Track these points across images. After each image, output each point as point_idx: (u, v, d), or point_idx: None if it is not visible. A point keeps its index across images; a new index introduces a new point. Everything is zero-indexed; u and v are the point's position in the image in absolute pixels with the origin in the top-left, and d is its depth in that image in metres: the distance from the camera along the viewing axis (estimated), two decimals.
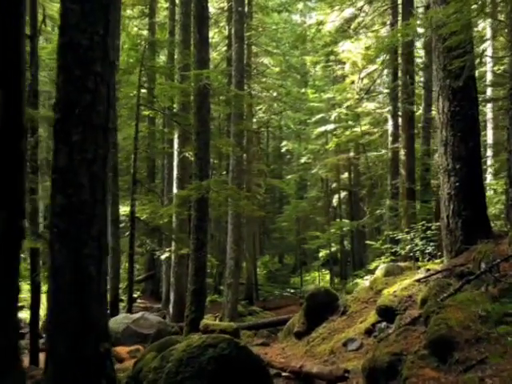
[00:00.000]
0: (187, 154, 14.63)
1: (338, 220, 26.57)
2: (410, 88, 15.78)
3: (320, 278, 29.06)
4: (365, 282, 13.91)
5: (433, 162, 21.18)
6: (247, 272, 23.47)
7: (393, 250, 14.06)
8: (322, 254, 29.63)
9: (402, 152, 16.36)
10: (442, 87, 6.81)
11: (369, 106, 22.86)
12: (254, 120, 26.20)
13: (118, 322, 10.35)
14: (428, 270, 6.80)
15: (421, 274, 6.81)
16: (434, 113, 21.62)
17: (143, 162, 21.78)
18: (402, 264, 13.73)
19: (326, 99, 24.30)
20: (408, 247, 13.11)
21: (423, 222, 12.83)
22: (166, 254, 14.58)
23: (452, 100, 6.74)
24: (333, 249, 27.17)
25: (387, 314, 6.12)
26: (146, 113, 14.60)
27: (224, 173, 22.82)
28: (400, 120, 16.77)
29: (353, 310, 7.76)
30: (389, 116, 17.48)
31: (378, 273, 13.01)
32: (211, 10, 24.45)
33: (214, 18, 24.27)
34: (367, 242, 15.25)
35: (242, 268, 25.45)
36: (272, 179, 27.36)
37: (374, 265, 10.99)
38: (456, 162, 6.69)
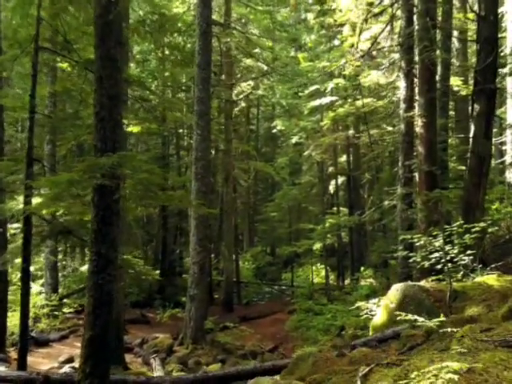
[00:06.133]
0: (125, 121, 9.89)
1: (334, 209, 21.77)
2: (432, 33, 10.87)
3: (314, 274, 24.39)
4: (371, 306, 9.23)
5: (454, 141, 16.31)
6: (226, 272, 18.78)
7: (410, 260, 9.38)
8: (317, 246, 24.94)
9: (420, 123, 11.48)
10: None
11: (373, 73, 17.99)
12: (241, 96, 21.41)
13: None
14: None
15: None
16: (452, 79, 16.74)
17: None
18: (426, 285, 8.98)
19: (320, 68, 19.38)
20: (434, 256, 8.33)
21: (461, 222, 8.10)
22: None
23: None
24: (329, 241, 22.41)
25: None
26: (63, 65, 9.74)
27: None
28: (416, 81, 11.97)
29: None
30: (401, 75, 12.54)
31: (391, 298, 8.33)
32: None
33: None
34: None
35: (224, 267, 20.87)
36: (259, 163, 22.52)
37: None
38: None
